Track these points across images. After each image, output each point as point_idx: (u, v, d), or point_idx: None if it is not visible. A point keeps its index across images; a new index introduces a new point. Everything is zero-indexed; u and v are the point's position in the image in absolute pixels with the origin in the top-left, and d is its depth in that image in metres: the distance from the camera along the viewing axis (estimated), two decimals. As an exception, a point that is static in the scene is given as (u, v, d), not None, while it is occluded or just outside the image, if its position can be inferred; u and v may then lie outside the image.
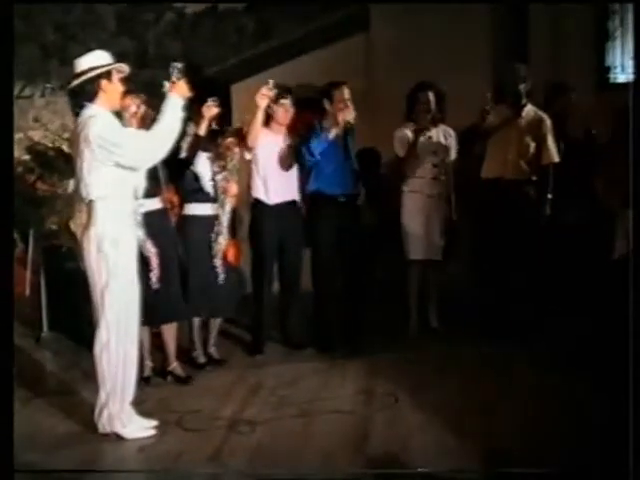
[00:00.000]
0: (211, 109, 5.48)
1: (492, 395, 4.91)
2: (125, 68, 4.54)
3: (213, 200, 5.66)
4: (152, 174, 4.96)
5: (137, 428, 4.54)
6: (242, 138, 5.87)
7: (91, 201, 4.39)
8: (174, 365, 5.56)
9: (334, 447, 4.22)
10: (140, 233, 5.06)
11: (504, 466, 3.85)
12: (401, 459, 4.02)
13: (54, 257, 6.66)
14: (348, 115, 5.86)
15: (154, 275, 5.24)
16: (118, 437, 4.47)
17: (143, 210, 5.11)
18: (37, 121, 8.77)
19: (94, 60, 4.46)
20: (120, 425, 4.49)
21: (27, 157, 8.00)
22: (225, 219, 5.67)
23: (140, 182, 4.67)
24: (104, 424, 4.49)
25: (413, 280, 6.39)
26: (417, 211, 6.27)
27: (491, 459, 3.95)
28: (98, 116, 4.37)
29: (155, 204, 5.36)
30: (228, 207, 5.70)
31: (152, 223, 5.22)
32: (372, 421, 4.59)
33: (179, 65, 4.62)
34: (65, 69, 8.24)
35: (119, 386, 4.48)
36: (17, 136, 8.78)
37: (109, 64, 4.47)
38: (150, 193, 5.16)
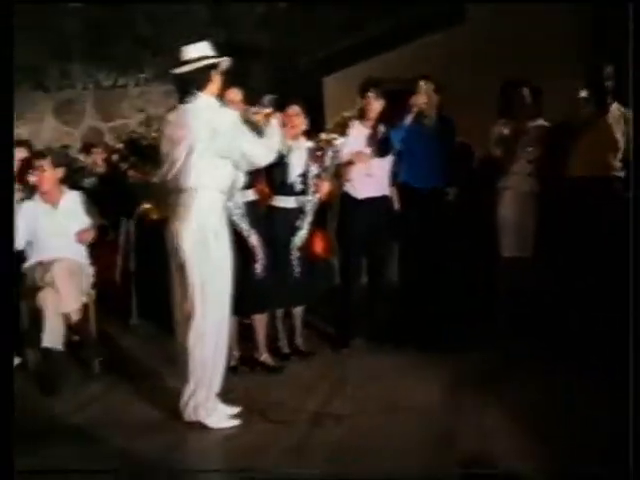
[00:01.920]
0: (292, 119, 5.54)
1: (576, 393, 4.77)
2: (229, 63, 4.56)
3: (300, 194, 5.62)
4: None
5: (222, 418, 4.56)
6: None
7: (189, 190, 4.41)
8: (265, 355, 5.58)
9: (417, 445, 4.15)
10: (244, 224, 5.12)
11: (586, 466, 3.73)
12: (484, 458, 3.94)
13: (145, 244, 6.74)
14: (419, 99, 5.81)
15: (259, 266, 5.26)
16: (203, 426, 4.48)
17: (244, 201, 5.22)
18: (141, 111, 8.92)
19: (205, 49, 4.50)
20: (205, 414, 4.51)
21: (120, 145, 8.11)
22: (309, 214, 5.65)
23: (239, 175, 4.68)
24: (190, 412, 4.52)
25: (503, 276, 6.26)
26: (511, 207, 6.15)
27: (574, 459, 3.84)
28: (215, 106, 4.45)
29: (252, 195, 5.40)
30: (315, 203, 5.68)
31: (251, 214, 5.29)
32: (456, 419, 4.51)
33: (272, 97, 4.73)
34: (159, 59, 8.35)
35: (208, 376, 4.50)
36: (111, 124, 8.95)
37: (218, 56, 4.51)
38: (248, 184, 5.21)
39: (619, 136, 5.89)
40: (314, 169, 5.62)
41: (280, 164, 5.47)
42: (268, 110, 4.72)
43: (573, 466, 3.74)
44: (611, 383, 4.52)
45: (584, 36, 7.45)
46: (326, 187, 5.70)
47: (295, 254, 5.61)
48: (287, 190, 5.61)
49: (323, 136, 5.60)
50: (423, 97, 5.84)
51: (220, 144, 4.36)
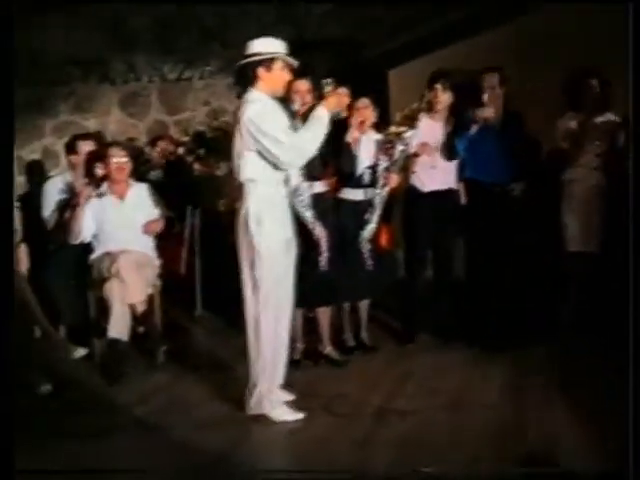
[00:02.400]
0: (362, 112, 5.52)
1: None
2: (290, 60, 4.50)
3: (368, 186, 5.58)
4: (320, 156, 4.96)
5: (285, 411, 4.55)
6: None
7: (242, 183, 4.45)
8: (329, 349, 5.57)
9: (481, 442, 4.09)
10: (309, 216, 5.11)
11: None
12: (548, 457, 3.85)
13: (210, 236, 6.78)
14: (486, 112, 5.75)
15: (323, 258, 5.25)
16: (266, 419, 4.48)
17: (310, 192, 5.22)
18: (206, 104, 8.97)
19: (259, 46, 4.47)
20: (269, 406, 4.51)
21: (186, 138, 8.16)
22: (378, 207, 5.59)
23: (293, 170, 4.65)
24: (253, 405, 4.52)
25: (570, 272, 6.15)
26: (578, 202, 6.03)
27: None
28: (255, 102, 4.40)
29: (321, 187, 5.38)
30: (383, 196, 5.62)
31: (319, 205, 5.26)
32: (521, 417, 4.43)
33: (330, 80, 4.59)
34: (225, 51, 8.37)
35: (269, 367, 4.50)
36: (176, 118, 9.01)
37: (274, 52, 4.44)
38: (317, 175, 5.22)
39: None
40: (383, 162, 5.56)
41: (348, 156, 5.45)
42: (325, 92, 4.67)
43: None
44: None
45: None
46: (395, 180, 5.64)
47: (364, 247, 5.56)
48: (355, 182, 5.57)
49: (392, 129, 5.54)
50: (490, 110, 5.75)
51: (250, 139, 4.36)
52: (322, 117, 4.44)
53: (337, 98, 4.57)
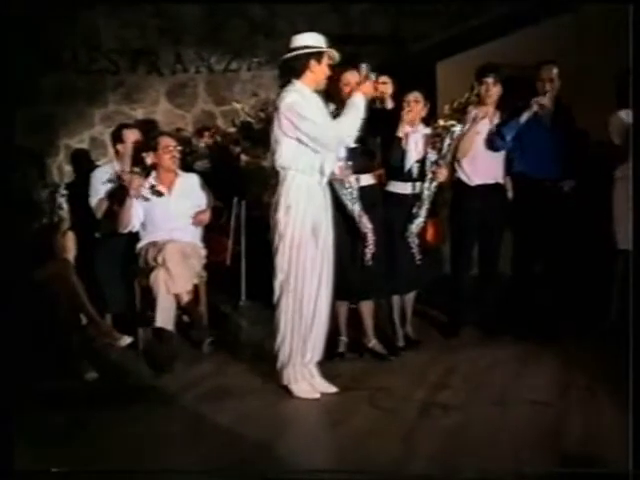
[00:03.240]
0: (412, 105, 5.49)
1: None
2: (336, 55, 4.66)
3: (416, 180, 5.55)
4: (368, 149, 5.11)
5: (305, 389, 4.73)
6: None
7: (277, 171, 4.61)
8: (373, 342, 5.55)
9: (526, 439, 4.05)
10: (357, 208, 5.12)
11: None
12: (596, 457, 3.80)
13: (255, 227, 6.79)
14: (544, 100, 5.72)
15: (369, 252, 5.24)
16: (310, 409, 4.57)
17: (358, 185, 5.22)
18: (254, 95, 9.00)
19: (309, 40, 4.62)
20: (290, 379, 4.75)
21: (232, 129, 8.17)
22: (427, 201, 5.55)
23: (328, 159, 4.66)
24: (282, 377, 4.77)
25: (620, 270, 6.07)
26: (629, 199, 5.94)
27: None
28: (296, 91, 4.56)
29: (369, 180, 5.36)
30: (432, 190, 5.57)
31: (366, 198, 5.25)
32: (567, 414, 4.39)
33: (367, 65, 4.74)
34: (271, 43, 8.39)
35: (288, 341, 4.69)
36: (223, 108, 9.03)
37: (321, 47, 4.61)
38: (365, 168, 5.24)
39: None
40: (432, 156, 5.52)
41: (398, 150, 5.43)
42: (362, 78, 4.76)
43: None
44: None
45: None
46: (444, 174, 5.59)
47: (412, 242, 5.54)
48: (404, 176, 5.54)
49: (441, 122, 5.50)
50: (544, 98, 5.72)
51: (289, 124, 4.52)
52: (358, 102, 4.64)
53: (371, 84, 4.73)
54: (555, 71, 5.86)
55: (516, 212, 5.96)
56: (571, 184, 5.93)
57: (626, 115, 5.86)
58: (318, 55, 4.59)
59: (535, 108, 5.73)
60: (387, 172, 5.60)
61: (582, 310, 6.27)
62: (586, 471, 3.67)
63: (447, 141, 5.50)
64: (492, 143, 5.85)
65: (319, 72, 4.62)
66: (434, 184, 5.55)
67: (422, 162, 5.53)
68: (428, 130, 5.56)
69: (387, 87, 5.23)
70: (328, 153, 4.64)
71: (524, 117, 5.75)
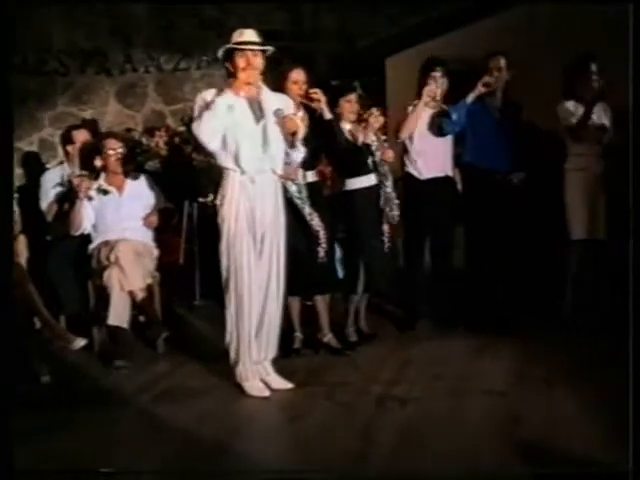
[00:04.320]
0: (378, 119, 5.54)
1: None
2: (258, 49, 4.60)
3: (371, 172, 5.59)
4: (312, 147, 5.06)
5: (256, 387, 4.73)
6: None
7: (222, 170, 4.66)
8: (329, 337, 5.57)
9: (482, 429, 4.10)
10: (306, 207, 5.14)
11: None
12: (551, 446, 3.84)
13: (208, 226, 6.77)
14: (486, 79, 5.78)
15: (322, 249, 5.25)
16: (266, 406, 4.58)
17: (304, 182, 5.27)
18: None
19: (237, 37, 4.59)
20: (242, 377, 4.75)
21: (183, 128, 8.14)
22: (390, 186, 5.62)
23: (242, 155, 4.60)
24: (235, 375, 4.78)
25: (574, 261, 6.14)
26: (582, 190, 6.01)
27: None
28: (218, 88, 4.63)
29: (313, 177, 5.40)
30: (390, 175, 5.65)
31: (317, 197, 5.34)
32: (523, 404, 4.43)
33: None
34: (222, 41, 8.37)
35: (234, 339, 4.71)
36: (174, 107, 9.00)
37: (244, 42, 4.54)
38: (310, 166, 5.27)
39: None
40: (374, 146, 5.59)
41: (347, 147, 5.46)
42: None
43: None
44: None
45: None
46: (391, 155, 5.66)
47: (386, 234, 5.60)
48: (363, 169, 5.59)
49: (374, 112, 5.61)
50: (490, 78, 5.78)
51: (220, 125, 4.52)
52: (213, 104, 4.54)
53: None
54: (503, 61, 5.92)
55: (467, 205, 6.00)
56: (520, 176, 5.98)
57: (573, 105, 5.94)
58: (238, 52, 4.54)
59: (480, 88, 5.78)
60: (346, 171, 5.61)
61: (536, 301, 6.34)
62: (586, 471, 3.69)
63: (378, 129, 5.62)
64: (440, 126, 5.88)
65: (236, 67, 4.55)
66: (387, 168, 5.62)
67: (371, 152, 5.59)
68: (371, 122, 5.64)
69: (319, 96, 5.27)
70: (243, 150, 4.59)
71: (470, 97, 5.79)
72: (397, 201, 5.65)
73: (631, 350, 3.23)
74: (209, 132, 4.49)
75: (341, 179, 5.65)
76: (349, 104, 5.57)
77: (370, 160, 5.59)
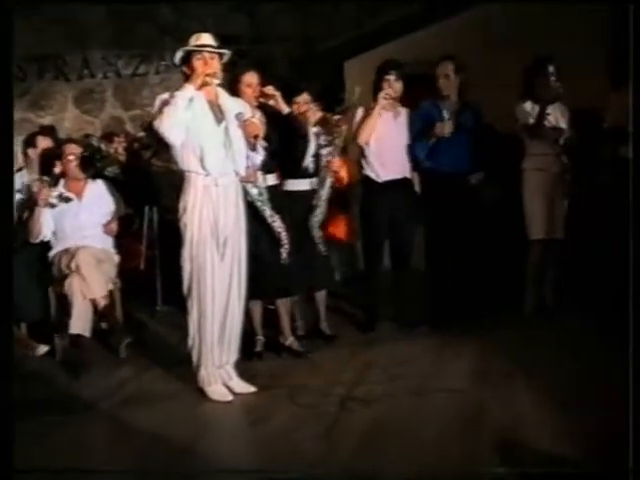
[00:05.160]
0: (316, 114, 5.74)
1: (609, 376, 4.73)
2: (214, 52, 4.63)
3: (313, 176, 5.66)
4: (272, 149, 5.11)
5: (219, 391, 4.74)
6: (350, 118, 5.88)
7: (182, 174, 4.65)
8: (290, 340, 5.60)
9: (446, 427, 4.14)
10: (268, 209, 5.17)
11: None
12: (515, 440, 3.89)
13: (169, 231, 6.77)
14: (446, 129, 5.85)
15: (284, 251, 5.29)
16: (229, 411, 4.59)
17: (265, 185, 5.31)
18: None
19: (194, 41, 4.62)
20: (204, 382, 4.75)
21: (142, 134, 8.12)
22: (324, 194, 5.67)
23: (206, 157, 4.61)
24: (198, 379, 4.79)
25: (533, 259, 6.22)
26: (540, 189, 6.09)
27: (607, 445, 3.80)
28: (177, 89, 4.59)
29: (274, 179, 5.45)
30: (328, 182, 5.70)
31: (275, 198, 5.35)
32: (486, 400, 4.48)
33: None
34: (180, 45, 8.36)
35: (197, 344, 4.72)
36: (132, 113, 8.97)
37: (200, 45, 4.58)
38: (270, 168, 5.31)
39: None
40: (325, 150, 5.66)
41: (291, 148, 5.49)
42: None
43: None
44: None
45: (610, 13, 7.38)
46: (337, 164, 5.74)
47: (315, 236, 5.63)
48: (301, 173, 5.63)
49: (331, 118, 5.66)
50: (450, 126, 5.85)
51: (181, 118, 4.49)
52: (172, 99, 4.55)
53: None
54: (450, 67, 5.97)
55: (426, 206, 6.05)
56: (479, 177, 6.04)
57: (530, 106, 6.02)
58: (194, 54, 4.57)
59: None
60: (285, 171, 5.62)
61: (497, 300, 6.39)
62: (586, 471, 3.73)
63: (337, 134, 5.64)
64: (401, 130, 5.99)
65: (194, 70, 4.56)
66: (330, 177, 5.68)
67: (316, 157, 5.65)
68: (320, 127, 5.75)
69: (273, 92, 5.30)
70: (207, 151, 4.60)
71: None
72: (324, 210, 5.69)
73: (631, 351, 3.28)
74: (171, 125, 4.47)
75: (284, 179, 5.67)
76: (296, 105, 5.62)
77: (312, 164, 5.64)
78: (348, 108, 5.93)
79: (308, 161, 5.64)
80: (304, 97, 5.70)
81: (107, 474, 3.87)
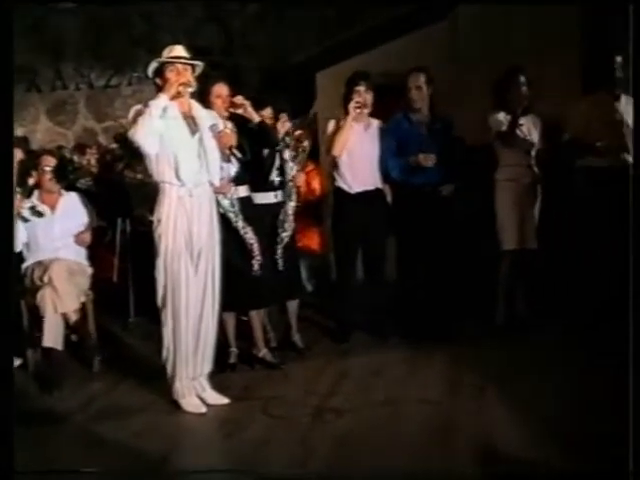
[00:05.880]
0: (285, 125, 5.72)
1: (580, 387, 4.78)
2: (184, 63, 4.65)
3: (278, 188, 5.67)
4: (245, 161, 5.12)
5: (193, 403, 4.75)
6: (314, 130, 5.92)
7: (157, 185, 4.66)
8: (264, 352, 5.59)
9: (419, 437, 4.17)
10: (240, 221, 5.18)
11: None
12: (486, 451, 3.94)
13: (142, 243, 6.76)
14: (429, 161, 5.85)
15: (256, 262, 5.30)
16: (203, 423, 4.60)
17: (237, 197, 5.32)
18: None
19: (167, 53, 4.65)
20: (178, 394, 4.76)
21: (115, 145, 8.11)
22: (290, 208, 5.68)
23: (181, 167, 4.62)
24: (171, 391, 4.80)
25: (505, 270, 6.27)
26: (511, 200, 6.14)
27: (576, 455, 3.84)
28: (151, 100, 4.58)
29: (246, 191, 5.44)
30: (294, 197, 5.72)
31: (247, 210, 5.36)
32: (458, 411, 4.52)
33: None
34: (152, 57, 8.37)
35: (171, 356, 4.73)
36: (105, 125, 8.96)
37: (173, 57, 4.61)
38: (242, 180, 5.33)
39: (623, 127, 5.91)
40: (291, 164, 5.70)
41: (261, 159, 5.51)
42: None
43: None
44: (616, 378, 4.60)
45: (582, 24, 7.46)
46: (301, 178, 5.89)
47: (284, 247, 5.65)
48: (267, 187, 5.65)
49: (292, 134, 5.74)
50: (432, 159, 5.86)
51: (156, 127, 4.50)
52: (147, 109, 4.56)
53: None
54: (422, 78, 5.98)
55: (398, 217, 6.07)
56: (450, 189, 6.06)
57: (503, 116, 6.07)
58: (167, 66, 4.60)
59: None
60: (252, 184, 5.61)
61: (469, 310, 6.44)
62: (586, 471, 3.75)
63: (301, 149, 5.70)
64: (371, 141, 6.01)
65: (167, 81, 4.58)
66: (294, 191, 5.72)
67: (281, 170, 5.68)
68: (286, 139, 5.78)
69: (242, 102, 5.30)
70: (181, 162, 4.61)
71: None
72: (292, 224, 5.71)
73: (631, 351, 3.31)
74: (145, 134, 4.48)
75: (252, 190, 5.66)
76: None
77: (277, 177, 5.67)
78: (308, 123, 5.96)
79: (274, 175, 5.66)
80: (268, 111, 5.71)
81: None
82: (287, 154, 5.71)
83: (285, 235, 5.65)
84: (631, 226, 3.49)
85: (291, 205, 5.70)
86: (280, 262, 5.61)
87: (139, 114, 4.53)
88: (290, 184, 5.70)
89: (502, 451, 3.92)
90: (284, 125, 5.73)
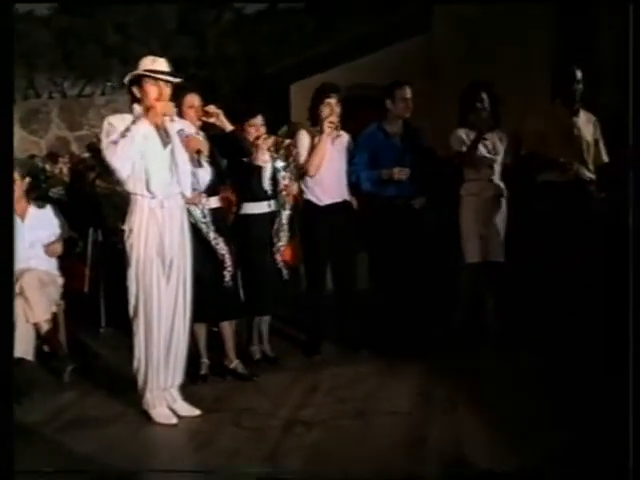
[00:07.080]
0: (259, 129, 5.66)
1: (550, 401, 4.82)
2: (164, 78, 4.61)
3: (270, 198, 5.69)
4: (217, 171, 5.11)
5: (163, 414, 4.74)
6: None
7: (128, 195, 4.66)
8: (235, 363, 5.59)
9: (390, 449, 4.19)
10: (211, 232, 5.18)
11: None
12: (456, 463, 3.97)
13: (113, 253, 6.74)
14: (403, 174, 5.91)
15: (228, 273, 5.30)
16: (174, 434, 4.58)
17: (209, 208, 5.32)
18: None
19: (149, 64, 4.60)
20: (149, 405, 4.76)
21: (87, 155, 8.09)
22: (285, 216, 5.71)
23: (151, 179, 4.61)
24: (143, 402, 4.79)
25: (467, 283, 6.32)
26: (474, 214, 6.21)
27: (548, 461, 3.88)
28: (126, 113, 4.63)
29: (217, 202, 5.43)
30: (288, 206, 5.75)
31: (218, 220, 5.37)
32: (429, 423, 4.55)
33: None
34: (126, 67, 8.38)
35: (142, 367, 4.72)
36: (77, 134, 8.93)
37: (150, 70, 4.56)
38: (213, 191, 5.30)
39: (585, 141, 5.99)
40: (283, 173, 5.72)
41: (249, 172, 5.54)
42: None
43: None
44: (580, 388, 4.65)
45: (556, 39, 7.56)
46: (295, 187, 5.88)
47: (279, 259, 5.69)
48: (260, 196, 5.67)
49: (281, 143, 5.75)
50: (406, 172, 5.92)
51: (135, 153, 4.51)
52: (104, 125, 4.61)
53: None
54: (409, 91, 6.01)
55: (369, 229, 6.12)
56: (422, 201, 6.10)
57: (465, 133, 6.13)
58: (143, 78, 4.56)
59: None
60: (242, 194, 5.68)
61: (438, 322, 6.48)
62: (585, 471, 3.78)
63: (292, 159, 5.77)
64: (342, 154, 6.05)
65: (146, 94, 4.56)
66: (289, 200, 5.76)
67: (273, 180, 5.70)
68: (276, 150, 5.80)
69: (215, 110, 5.33)
70: (153, 174, 4.60)
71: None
72: (288, 233, 5.75)
73: (631, 352, 3.35)
74: (123, 160, 4.46)
75: (240, 202, 5.71)
76: (253, 128, 5.66)
77: (269, 187, 5.69)
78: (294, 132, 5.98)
79: (266, 184, 5.68)
80: (259, 119, 5.70)
81: None
82: (278, 163, 5.74)
83: (281, 245, 5.68)
84: (631, 227, 3.53)
85: (285, 214, 5.73)
86: (281, 272, 5.69)
87: (115, 133, 4.47)
88: (282, 194, 5.71)
89: (472, 463, 3.95)
90: (266, 141, 5.70)
